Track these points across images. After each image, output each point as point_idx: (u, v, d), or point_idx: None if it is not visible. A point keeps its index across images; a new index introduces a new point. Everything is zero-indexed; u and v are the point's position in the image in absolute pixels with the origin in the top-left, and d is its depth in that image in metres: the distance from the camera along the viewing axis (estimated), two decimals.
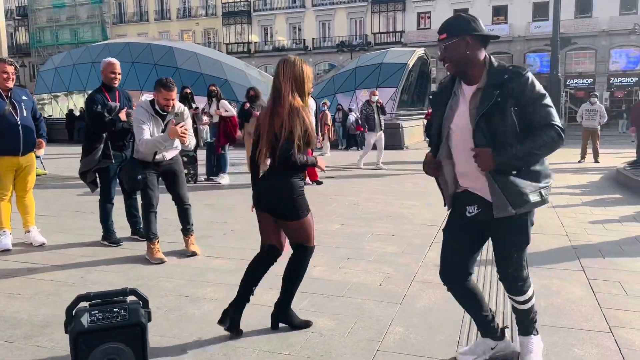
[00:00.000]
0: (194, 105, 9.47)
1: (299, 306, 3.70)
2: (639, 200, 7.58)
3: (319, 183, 9.31)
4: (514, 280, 2.69)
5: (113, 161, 5.27)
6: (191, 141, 4.84)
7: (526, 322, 2.79)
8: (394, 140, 18.52)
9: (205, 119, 9.71)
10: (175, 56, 24.53)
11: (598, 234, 5.71)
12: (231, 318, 3.32)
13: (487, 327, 2.86)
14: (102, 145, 5.19)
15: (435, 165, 2.73)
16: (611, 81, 38.41)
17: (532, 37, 39.38)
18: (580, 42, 36.00)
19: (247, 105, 11.02)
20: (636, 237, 5.53)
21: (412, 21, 42.85)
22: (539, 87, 2.50)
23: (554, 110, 2.50)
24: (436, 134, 2.72)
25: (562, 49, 39.16)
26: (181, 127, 4.65)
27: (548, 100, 2.50)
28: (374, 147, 11.92)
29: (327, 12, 45.18)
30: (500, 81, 2.50)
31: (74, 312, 2.59)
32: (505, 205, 2.49)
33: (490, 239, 2.74)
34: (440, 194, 2.85)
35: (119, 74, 5.36)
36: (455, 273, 2.78)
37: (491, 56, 2.64)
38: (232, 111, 9.94)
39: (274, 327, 3.38)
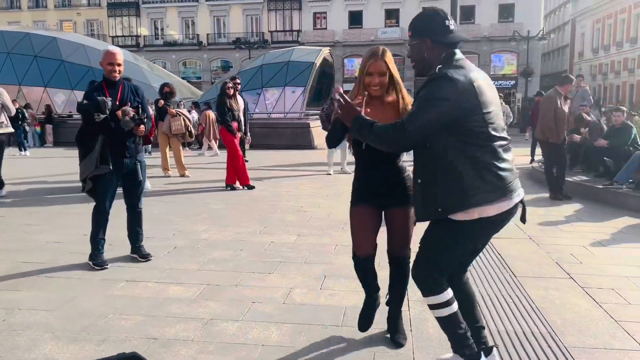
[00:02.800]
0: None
1: (295, 344, 3.12)
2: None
3: (251, 187, 8.63)
4: None
5: (111, 167, 4.39)
6: None
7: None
8: (304, 140, 18.28)
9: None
10: (59, 48, 22.14)
11: (557, 236, 5.69)
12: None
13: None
14: (98, 149, 4.29)
15: None
16: None
17: None
18: (465, 47, 38.21)
19: (162, 102, 10.07)
20: (595, 238, 5.58)
21: (308, 21, 42.90)
22: (431, 91, 2.35)
23: (418, 115, 2.35)
24: None
25: None
26: None
27: (424, 105, 2.36)
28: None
29: (221, 8, 43.84)
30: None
31: None
32: None
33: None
34: None
35: (118, 64, 4.46)
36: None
37: (448, 57, 2.44)
38: (149, 111, 8.91)
39: None
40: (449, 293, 2.56)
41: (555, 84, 8.14)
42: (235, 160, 8.46)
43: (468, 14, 40.81)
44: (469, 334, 2.58)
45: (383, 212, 3.00)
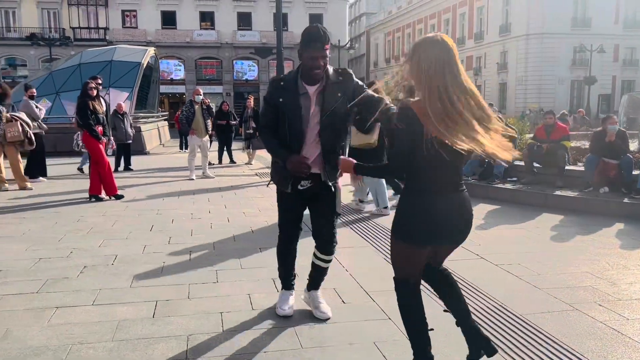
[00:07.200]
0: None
1: (290, 347, 3.11)
2: None
3: (119, 197, 7.95)
4: (332, 241, 3.43)
5: None
6: None
7: (321, 279, 3.58)
8: (136, 146, 17.18)
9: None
10: None
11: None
12: None
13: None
14: None
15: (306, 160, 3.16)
16: None
17: (238, 44, 41.54)
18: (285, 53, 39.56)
19: None
20: (475, 223, 6.38)
21: (116, 18, 40.30)
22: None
23: None
24: (300, 129, 3.15)
25: (265, 57, 42.51)
26: None
27: None
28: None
29: None
30: (336, 81, 3.16)
31: None
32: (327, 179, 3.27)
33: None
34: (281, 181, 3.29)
35: None
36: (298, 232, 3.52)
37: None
38: None
39: None
40: None
41: None
42: (101, 167, 7.72)
43: (283, 21, 42.35)
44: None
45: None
